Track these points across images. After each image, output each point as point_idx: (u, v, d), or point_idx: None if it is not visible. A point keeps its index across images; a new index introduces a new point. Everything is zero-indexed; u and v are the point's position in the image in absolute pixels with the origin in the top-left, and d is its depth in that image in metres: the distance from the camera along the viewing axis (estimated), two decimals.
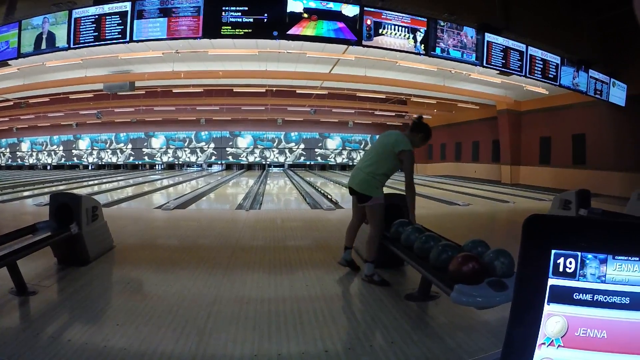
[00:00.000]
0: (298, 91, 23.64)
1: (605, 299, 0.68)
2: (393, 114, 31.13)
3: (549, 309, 0.69)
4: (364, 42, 9.04)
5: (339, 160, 37.48)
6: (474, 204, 13.53)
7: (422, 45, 9.68)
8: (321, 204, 12.60)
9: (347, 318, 3.96)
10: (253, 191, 17.10)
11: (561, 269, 0.68)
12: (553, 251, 0.68)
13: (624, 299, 0.68)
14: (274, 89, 23.52)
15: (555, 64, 12.82)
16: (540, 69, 12.39)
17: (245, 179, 25.59)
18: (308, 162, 37.43)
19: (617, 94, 15.42)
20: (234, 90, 23.59)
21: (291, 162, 37.12)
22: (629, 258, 0.67)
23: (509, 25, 11.15)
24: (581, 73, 13.87)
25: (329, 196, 14.89)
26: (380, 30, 9.13)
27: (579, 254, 0.68)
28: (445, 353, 3.17)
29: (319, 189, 18.06)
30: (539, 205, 13.02)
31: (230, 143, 36.76)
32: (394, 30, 9.30)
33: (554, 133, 20.98)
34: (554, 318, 0.69)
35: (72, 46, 8.78)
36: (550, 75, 12.76)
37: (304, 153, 37.44)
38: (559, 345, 0.69)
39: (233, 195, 16.44)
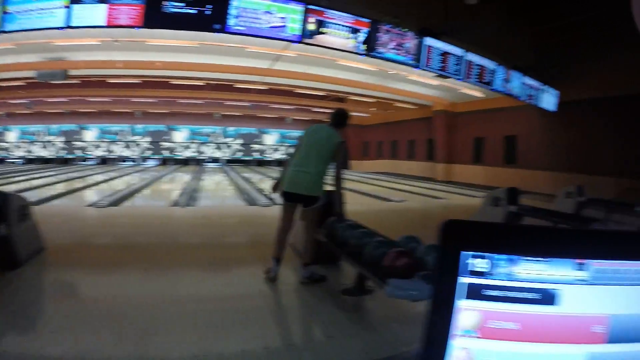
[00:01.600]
0: (237, 85, 23.37)
1: (517, 295, 0.76)
2: (330, 111, 31.29)
3: (463, 304, 0.75)
4: (305, 40, 9.09)
5: (276, 156, 37.24)
6: (408, 200, 13.83)
7: (364, 45, 9.83)
8: (257, 200, 12.57)
9: (286, 314, 4.01)
10: (189, 187, 16.80)
11: (473, 269, 0.75)
12: (465, 252, 0.75)
13: (535, 294, 0.76)
14: (213, 82, 23.15)
15: (491, 70, 13.35)
16: (476, 74, 12.84)
17: (181, 174, 25.00)
18: (245, 158, 36.95)
19: (549, 100, 16.44)
20: (172, 83, 23.04)
21: (228, 158, 36.51)
22: (535, 259, 0.76)
23: (449, 30, 11.46)
24: (516, 79, 14.52)
25: (265, 192, 14.84)
26: (323, 29, 9.20)
27: (489, 255, 0.75)
28: (382, 345, 3.27)
29: (256, 185, 17.99)
30: (472, 201, 13.43)
31: (167, 137, 35.75)
32: (337, 29, 9.39)
33: (487, 134, 21.87)
34: (469, 312, 0.76)
35: (5, 30, 8.39)
36: (486, 80, 13.25)
37: (242, 148, 36.97)
38: (474, 336, 0.76)
39: (169, 192, 16.00)
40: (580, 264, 0.77)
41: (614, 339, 0.78)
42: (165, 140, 35.78)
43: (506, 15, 12.20)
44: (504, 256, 0.76)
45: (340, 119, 5.18)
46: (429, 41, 11.14)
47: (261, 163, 36.70)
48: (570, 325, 0.78)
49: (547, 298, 0.77)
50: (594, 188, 12.40)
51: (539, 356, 0.77)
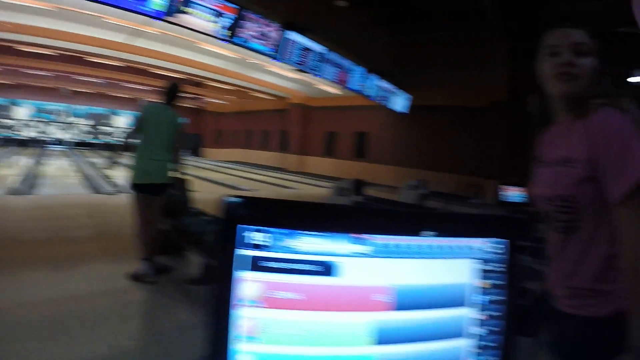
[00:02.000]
0: (91, 59, 21.72)
1: (299, 267, 0.83)
2: (188, 95, 29.87)
3: (246, 275, 0.81)
4: (167, 18, 8.73)
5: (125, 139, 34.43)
6: (260, 189, 14.00)
7: (227, 31, 9.69)
8: (104, 188, 11.96)
9: (135, 310, 3.88)
10: (30, 172, 15.41)
11: (255, 242, 0.81)
12: (244, 226, 0.80)
13: (316, 266, 0.83)
14: (66, 52, 21.21)
15: (349, 69, 13.91)
16: (335, 72, 13.29)
17: (21, 157, 22.57)
18: (94, 141, 34.01)
19: (401, 103, 17.90)
20: (19, 49, 20.53)
21: (75, 140, 33.46)
22: (314, 233, 0.85)
23: (315, 27, 11.71)
24: (372, 81, 15.29)
25: (113, 179, 14.01)
26: (187, 9, 8.90)
27: (270, 229, 0.81)
28: None
29: (104, 172, 16.91)
30: (321, 191, 13.92)
31: (7, 113, 31.61)
32: (202, 11, 9.14)
33: (340, 129, 23.07)
34: (253, 283, 0.80)
35: None
36: (343, 79, 13.79)
37: (91, 130, 34.17)
38: (258, 306, 0.81)
39: (6, 178, 14.21)
40: (360, 238, 0.86)
41: (400, 306, 0.89)
42: (5, 117, 31.72)
43: (371, 22, 12.75)
44: (285, 230, 0.82)
45: (174, 94, 4.94)
46: (292, 35, 11.30)
47: (111, 147, 34.03)
48: (353, 294, 0.86)
49: (328, 270, 0.84)
50: (438, 183, 14.35)
51: (324, 324, 0.85)
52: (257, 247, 0.82)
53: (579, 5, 9.68)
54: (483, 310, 0.98)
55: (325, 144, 24.11)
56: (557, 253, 1.52)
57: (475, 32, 12.10)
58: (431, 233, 0.93)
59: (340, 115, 22.84)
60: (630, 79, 11.25)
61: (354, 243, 0.87)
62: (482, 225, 1.03)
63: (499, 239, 1.00)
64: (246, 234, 0.82)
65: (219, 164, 26.62)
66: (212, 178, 16.30)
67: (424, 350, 0.92)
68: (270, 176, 19.93)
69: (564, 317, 1.49)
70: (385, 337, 0.89)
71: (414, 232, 0.92)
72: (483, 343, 0.98)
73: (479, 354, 0.98)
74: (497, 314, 0.98)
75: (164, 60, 18.23)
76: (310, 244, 0.84)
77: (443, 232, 0.95)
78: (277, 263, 0.83)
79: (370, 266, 0.88)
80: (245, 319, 0.82)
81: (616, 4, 9.32)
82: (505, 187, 8.34)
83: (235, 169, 22.87)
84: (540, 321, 1.66)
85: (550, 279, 1.58)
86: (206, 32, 9.50)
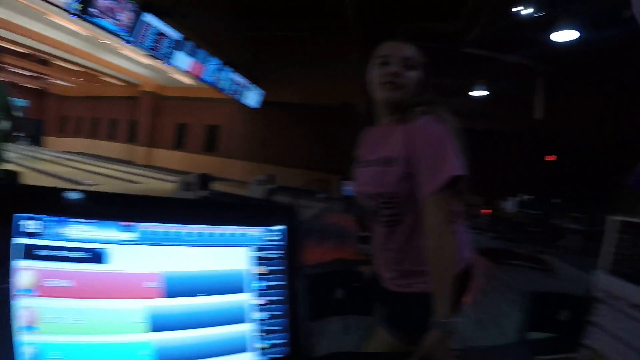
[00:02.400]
0: None
1: (69, 254, 0.85)
2: (30, 73, 26.91)
3: (20, 264, 0.81)
4: None
5: None
6: (103, 183, 13.36)
7: (79, 4, 8.97)
8: None
9: None
10: None
11: (25, 230, 0.82)
12: (17, 215, 0.81)
13: (86, 254, 0.86)
14: None
15: (204, 60, 13.72)
16: (189, 61, 13.04)
17: None
18: None
19: (253, 97, 18.15)
20: None
21: None
22: (83, 220, 0.86)
23: (174, 13, 11.34)
24: (225, 73, 15.23)
25: None
26: None
27: (41, 216, 0.83)
28: None
29: None
30: (168, 185, 13.59)
31: None
32: None
33: (191, 121, 22.72)
34: (26, 272, 0.81)
35: None
36: (197, 69, 13.57)
37: None
38: (34, 295, 0.82)
39: None
40: (127, 225, 0.90)
41: (170, 293, 0.93)
42: None
43: (231, 14, 12.65)
44: (55, 218, 0.84)
45: None
46: (148, 17, 10.81)
47: None
48: (123, 282, 0.89)
49: (97, 257, 0.87)
50: (287, 178, 15.12)
51: (98, 311, 0.86)
52: (30, 235, 0.83)
53: (435, 25, 10.40)
54: (262, 295, 1.02)
55: (175, 136, 23.58)
56: (383, 243, 1.67)
57: (333, 35, 12.53)
58: (203, 221, 0.96)
59: (192, 107, 22.44)
60: (472, 93, 12.58)
61: (122, 230, 0.91)
62: (258, 213, 1.09)
63: (276, 226, 1.05)
64: (21, 222, 0.82)
65: (62, 155, 24.67)
66: (53, 171, 15.14)
67: (204, 336, 0.96)
68: (116, 169, 19.02)
69: (393, 295, 1.67)
70: (160, 324, 0.92)
71: (186, 220, 0.94)
72: (267, 327, 1.02)
73: (263, 338, 1.03)
74: (278, 298, 1.03)
75: (7, 30, 16.03)
76: (79, 232, 0.87)
77: (216, 220, 0.98)
78: (48, 251, 0.84)
79: (138, 253, 0.92)
80: (24, 309, 0.82)
81: (465, 28, 10.25)
82: (347, 182, 8.87)
83: (79, 161, 21.40)
84: (372, 300, 1.85)
85: (378, 264, 1.75)
86: (55, 2, 8.81)
